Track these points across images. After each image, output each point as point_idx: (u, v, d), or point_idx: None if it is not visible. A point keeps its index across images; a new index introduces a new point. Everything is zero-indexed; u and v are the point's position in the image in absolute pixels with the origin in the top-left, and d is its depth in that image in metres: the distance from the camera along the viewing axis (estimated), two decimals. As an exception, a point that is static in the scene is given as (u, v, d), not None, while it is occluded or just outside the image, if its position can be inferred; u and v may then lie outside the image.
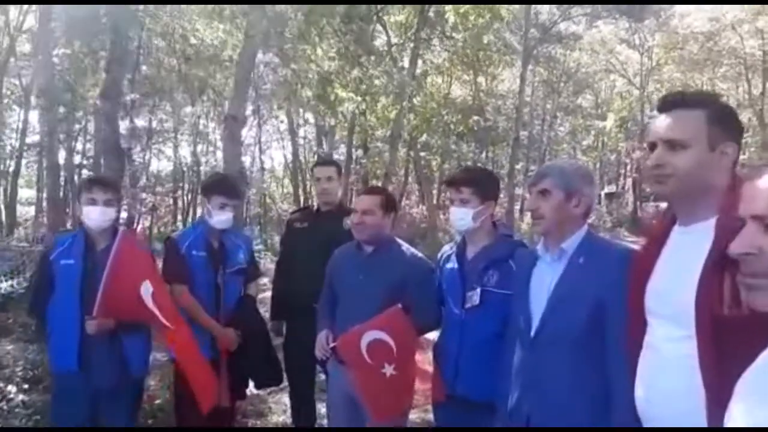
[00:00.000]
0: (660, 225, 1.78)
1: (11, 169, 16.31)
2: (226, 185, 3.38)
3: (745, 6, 18.09)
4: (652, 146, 1.61)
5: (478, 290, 2.48)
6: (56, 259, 3.03)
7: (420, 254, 2.99)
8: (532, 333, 2.12)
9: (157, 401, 4.19)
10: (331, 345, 2.73)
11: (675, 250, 1.66)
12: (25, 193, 22.45)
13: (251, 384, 3.60)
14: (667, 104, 1.63)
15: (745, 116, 25.17)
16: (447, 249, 2.81)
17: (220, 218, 3.32)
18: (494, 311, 2.45)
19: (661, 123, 1.61)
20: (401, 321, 2.59)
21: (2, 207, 16.32)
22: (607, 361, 1.95)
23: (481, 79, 19.58)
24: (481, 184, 2.60)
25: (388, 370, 2.61)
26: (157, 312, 2.86)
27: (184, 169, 23.32)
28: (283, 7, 7.75)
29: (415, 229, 16.84)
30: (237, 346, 3.31)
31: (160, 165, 23.97)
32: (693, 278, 1.49)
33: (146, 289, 2.86)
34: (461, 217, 2.57)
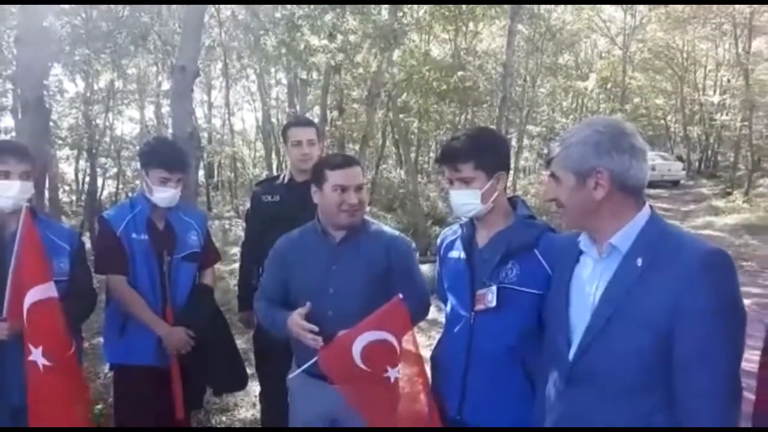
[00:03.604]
0: None
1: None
2: (165, 156, 2.73)
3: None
4: None
5: (494, 288, 1.90)
6: None
7: (396, 231, 2.47)
8: (570, 356, 1.56)
9: (98, 406, 3.61)
10: (307, 364, 2.13)
11: None
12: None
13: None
14: None
15: (728, 75, 24.96)
16: (449, 233, 2.21)
17: (162, 195, 2.71)
18: (514, 315, 1.89)
19: None
20: (403, 314, 2.02)
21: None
22: (683, 417, 1.41)
23: (460, 38, 18.81)
24: (485, 153, 1.97)
25: (393, 374, 2.06)
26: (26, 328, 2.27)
27: (151, 131, 22.27)
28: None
29: (394, 194, 16.27)
30: (190, 347, 2.73)
31: (125, 128, 22.85)
32: None
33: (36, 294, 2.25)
34: (465, 201, 1.97)
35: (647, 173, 1.53)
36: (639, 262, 1.47)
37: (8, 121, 12.87)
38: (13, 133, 11.48)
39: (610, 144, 1.50)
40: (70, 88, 16.37)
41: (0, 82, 11.30)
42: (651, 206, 1.56)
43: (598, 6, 21.83)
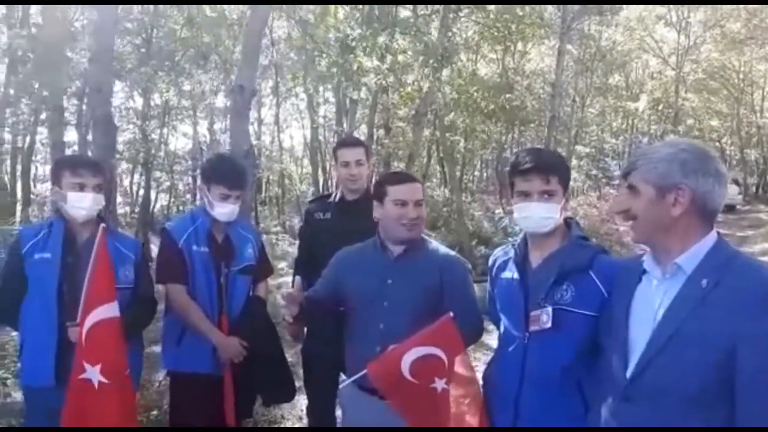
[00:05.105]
0: None
1: (26, 145, 16.12)
2: (226, 173, 2.84)
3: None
4: None
5: (549, 309, 1.90)
6: (29, 252, 2.56)
7: (452, 252, 2.50)
8: (629, 374, 1.56)
9: (153, 412, 3.73)
10: (358, 375, 2.18)
11: None
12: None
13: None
14: None
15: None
16: (500, 254, 2.22)
17: (222, 211, 2.82)
18: (569, 336, 1.89)
19: None
20: (453, 332, 2.06)
21: (8, 183, 16.08)
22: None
23: (508, 58, 18.81)
24: (565, 170, 2.02)
25: (439, 384, 2.09)
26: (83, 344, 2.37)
27: (203, 147, 22.98)
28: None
29: (438, 213, 16.25)
30: (243, 357, 2.82)
31: (178, 143, 23.66)
32: None
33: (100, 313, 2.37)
34: (547, 214, 1.95)
35: (724, 199, 1.55)
36: (704, 283, 1.48)
37: (71, 135, 13.56)
38: (75, 147, 12.08)
39: (697, 165, 1.53)
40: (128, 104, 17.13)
41: (65, 98, 11.90)
42: (718, 231, 1.57)
43: (651, 26, 21.48)
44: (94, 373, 2.36)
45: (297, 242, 3.69)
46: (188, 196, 22.94)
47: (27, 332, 2.57)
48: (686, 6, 20.57)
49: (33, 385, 2.60)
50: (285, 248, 13.25)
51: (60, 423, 2.46)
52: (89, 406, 2.38)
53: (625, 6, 17.45)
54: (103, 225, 2.50)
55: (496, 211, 15.28)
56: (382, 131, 16.77)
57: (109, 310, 2.39)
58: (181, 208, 20.45)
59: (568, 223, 2.07)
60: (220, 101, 19.64)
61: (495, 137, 19.76)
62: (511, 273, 2.08)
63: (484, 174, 27.28)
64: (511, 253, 2.13)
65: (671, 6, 21.12)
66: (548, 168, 1.95)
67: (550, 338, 1.90)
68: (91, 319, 2.35)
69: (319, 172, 20.45)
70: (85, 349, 2.36)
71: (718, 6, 20.15)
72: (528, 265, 2.05)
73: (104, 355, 2.39)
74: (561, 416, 1.88)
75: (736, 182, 24.40)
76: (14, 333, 5.85)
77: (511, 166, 2.05)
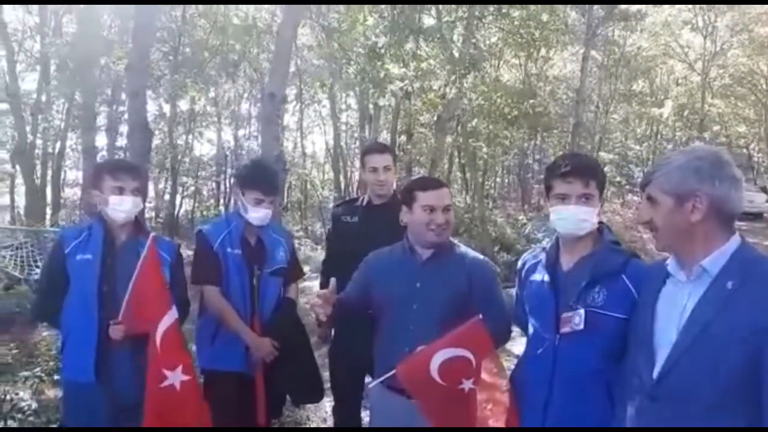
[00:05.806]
0: None
1: (57, 150, 16.51)
2: (261, 179, 2.93)
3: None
4: None
5: (581, 311, 1.93)
6: (72, 253, 2.65)
7: (480, 255, 2.54)
8: (655, 374, 1.59)
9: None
10: (386, 375, 2.22)
11: None
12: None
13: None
14: None
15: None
16: (529, 258, 2.26)
17: (257, 215, 2.90)
18: (600, 339, 1.91)
19: None
20: (482, 334, 2.08)
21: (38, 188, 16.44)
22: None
23: (530, 63, 18.75)
24: (602, 175, 2.07)
25: (467, 385, 2.12)
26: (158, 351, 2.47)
27: (227, 153, 23.26)
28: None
29: (459, 219, 16.23)
30: (274, 357, 2.89)
31: (203, 149, 23.96)
32: None
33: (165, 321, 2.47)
34: (585, 217, 1.99)
35: (742, 203, 1.59)
36: (729, 285, 1.51)
37: (101, 140, 13.89)
38: (104, 152, 12.37)
39: (711, 171, 1.56)
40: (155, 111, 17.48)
41: (97, 104, 12.18)
42: (741, 235, 1.60)
43: (676, 31, 21.24)
44: (176, 377, 2.46)
45: (319, 247, 3.76)
46: (212, 201, 23.25)
47: (68, 330, 2.66)
48: (713, 10, 20.31)
49: (73, 383, 2.69)
50: (307, 253, 13.33)
51: (102, 421, 2.58)
52: (174, 409, 2.48)
53: (650, 11, 17.30)
54: (153, 234, 2.62)
55: (519, 218, 15.23)
56: (404, 137, 16.83)
57: (172, 316, 2.51)
58: (204, 213, 20.70)
59: (599, 228, 2.10)
60: (245, 108, 19.91)
61: (517, 143, 19.69)
62: (541, 276, 2.12)
63: (506, 180, 27.15)
64: (541, 257, 2.16)
65: (698, 11, 20.88)
66: (588, 172, 2.00)
67: (581, 340, 1.92)
68: (161, 329, 2.45)
69: (341, 177, 20.54)
70: (162, 358, 2.46)
71: (746, 10, 19.88)
72: (559, 268, 2.08)
73: (180, 356, 2.51)
74: (589, 417, 1.90)
75: (763, 190, 23.87)
76: (45, 333, 6.10)
77: (550, 169, 2.08)
